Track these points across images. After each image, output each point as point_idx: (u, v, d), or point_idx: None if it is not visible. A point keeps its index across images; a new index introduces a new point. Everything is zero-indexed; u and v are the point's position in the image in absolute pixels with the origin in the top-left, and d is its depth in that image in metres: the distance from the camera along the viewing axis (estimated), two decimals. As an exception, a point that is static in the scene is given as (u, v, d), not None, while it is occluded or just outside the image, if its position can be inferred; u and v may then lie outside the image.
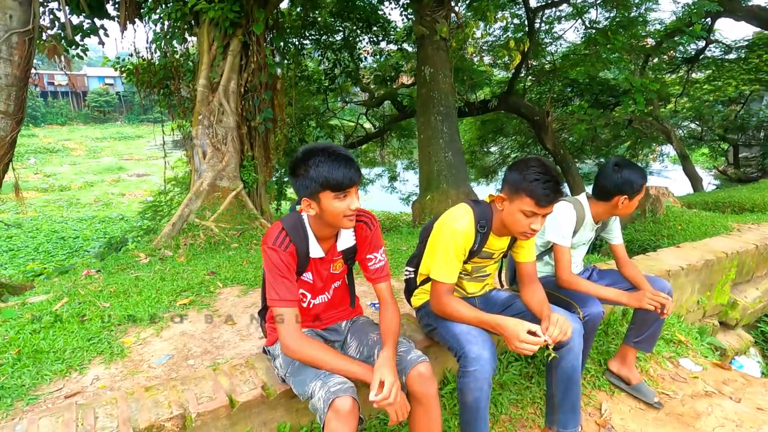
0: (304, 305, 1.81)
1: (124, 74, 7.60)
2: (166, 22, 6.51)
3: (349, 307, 1.96)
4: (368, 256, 1.81)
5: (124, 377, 2.33)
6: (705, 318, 3.73)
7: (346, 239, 1.78)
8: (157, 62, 7.01)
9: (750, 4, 10.25)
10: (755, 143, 16.01)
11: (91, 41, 6.42)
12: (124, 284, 3.67)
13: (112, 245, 7.38)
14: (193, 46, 7.07)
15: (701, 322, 3.68)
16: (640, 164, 16.37)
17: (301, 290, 1.78)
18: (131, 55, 7.38)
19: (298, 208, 1.76)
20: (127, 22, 6.24)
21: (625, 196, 2.22)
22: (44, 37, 5.58)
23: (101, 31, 6.19)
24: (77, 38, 6.05)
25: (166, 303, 3.26)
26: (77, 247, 11.37)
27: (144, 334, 2.81)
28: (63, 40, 5.77)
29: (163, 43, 6.84)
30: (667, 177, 17.91)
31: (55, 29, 5.76)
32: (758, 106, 17.13)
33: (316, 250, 1.71)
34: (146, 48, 7.11)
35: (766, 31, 11.14)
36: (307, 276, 1.76)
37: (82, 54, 6.36)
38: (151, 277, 3.90)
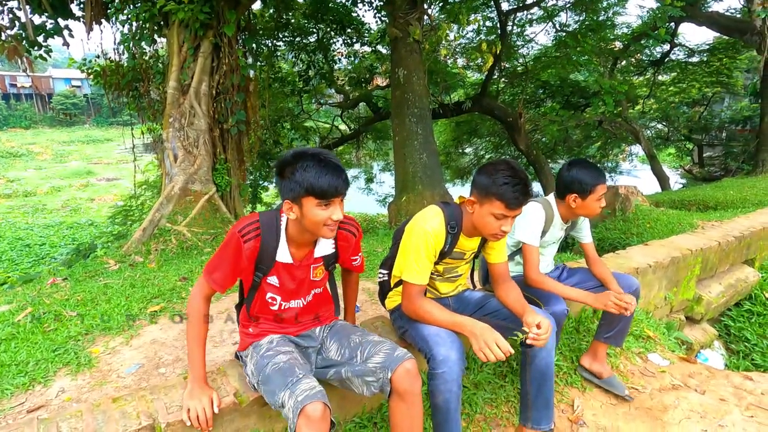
0: (274, 308, 1.78)
1: (92, 76, 7.39)
2: (134, 23, 6.36)
3: (328, 314, 1.94)
4: (351, 258, 1.89)
5: (92, 388, 2.26)
6: (672, 313, 3.85)
7: (326, 246, 1.76)
8: (125, 64, 6.84)
9: (710, 10, 10.65)
10: (718, 143, 16.63)
11: (56, 42, 6.21)
12: (93, 292, 3.56)
13: (80, 252, 7.16)
14: (162, 48, 6.93)
15: (668, 318, 3.79)
16: (609, 164, 16.85)
17: (269, 294, 1.76)
18: (98, 57, 7.18)
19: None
20: (93, 22, 6.07)
21: (575, 195, 2.28)
22: (3, 38, 5.38)
23: (66, 32, 6.00)
24: (40, 39, 5.85)
25: (136, 310, 3.17)
26: (43, 254, 10.98)
27: (113, 343, 2.73)
28: (24, 41, 5.57)
29: (131, 45, 6.67)
30: (636, 176, 18.41)
31: (15, 29, 5.55)
32: (720, 107, 17.82)
33: (284, 255, 1.69)
34: (114, 49, 6.93)
35: (725, 36, 11.58)
36: (272, 279, 1.72)
37: (45, 55, 6.15)
38: (121, 284, 3.79)
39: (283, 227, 1.67)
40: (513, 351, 1.68)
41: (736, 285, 4.27)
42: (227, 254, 1.64)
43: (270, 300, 1.77)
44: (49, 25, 5.91)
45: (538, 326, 1.75)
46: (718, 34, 12.16)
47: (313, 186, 1.49)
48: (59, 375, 2.36)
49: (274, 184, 13.61)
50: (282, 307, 1.79)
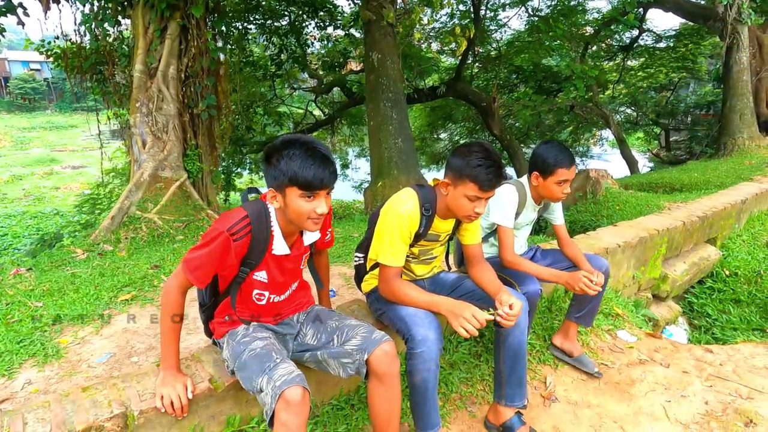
0: (262, 303, 1.73)
1: (51, 59, 7.06)
2: (96, 3, 6.09)
3: (306, 300, 1.92)
4: (326, 233, 1.87)
5: (61, 379, 2.21)
6: (640, 291, 3.98)
7: (312, 233, 1.72)
8: (87, 46, 6.55)
9: (677, -5, 10.84)
10: (683, 127, 17.14)
11: (9, 21, 5.88)
12: (59, 282, 3.45)
13: (45, 242, 6.93)
14: (127, 29, 6.66)
15: (636, 296, 3.92)
16: (581, 148, 17.16)
17: (255, 291, 1.70)
18: (58, 38, 6.86)
19: (251, 197, 1.69)
20: (50, 1, 5.79)
21: (536, 173, 2.31)
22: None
23: (20, 11, 5.68)
24: (-7, 18, 5.53)
25: (106, 299, 3.10)
26: (5, 245, 10.57)
27: (82, 332, 2.67)
28: (-24, 20, 5.26)
29: (93, 26, 6.39)
30: (606, 160, 18.85)
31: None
32: (685, 92, 18.32)
33: (280, 247, 1.63)
34: (75, 30, 6.62)
35: (690, 23, 11.87)
36: (260, 275, 1.67)
37: (-1, 35, 5.83)
38: (90, 273, 3.69)
39: (273, 218, 1.61)
40: (485, 322, 1.71)
41: (699, 263, 4.44)
42: (214, 253, 1.53)
43: (257, 297, 1.71)
44: (1, 2, 5.58)
45: (510, 307, 1.78)
46: (684, 20, 12.45)
47: (297, 176, 1.44)
48: (25, 367, 2.29)
49: (247, 171, 13.39)
50: (271, 301, 1.75)
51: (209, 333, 1.83)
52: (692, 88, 18.78)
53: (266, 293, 1.73)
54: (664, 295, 4.16)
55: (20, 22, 5.72)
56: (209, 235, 1.54)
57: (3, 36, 5.74)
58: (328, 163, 1.48)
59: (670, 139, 17.18)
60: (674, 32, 13.26)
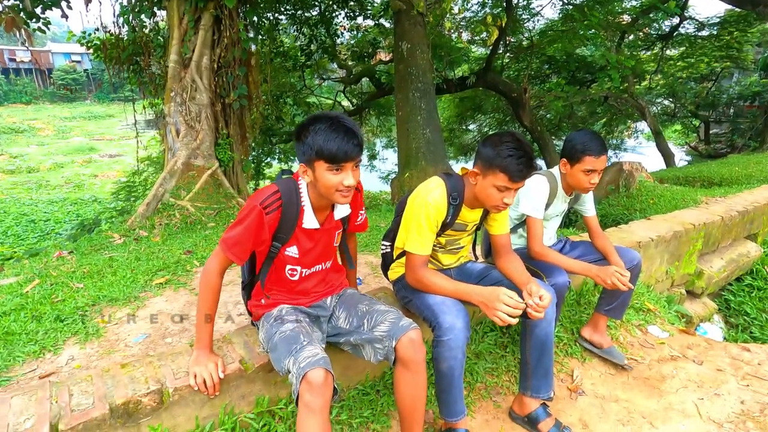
0: (294, 279, 1.79)
1: (91, 50, 7.31)
2: (133, -5, 6.26)
3: (339, 283, 1.96)
4: (358, 214, 1.89)
5: (100, 356, 2.31)
6: (673, 287, 3.87)
7: (343, 208, 1.77)
8: (125, 37, 6.76)
9: (723, -20, 10.34)
10: (725, 120, 16.44)
11: (54, 14, 6.13)
12: (98, 265, 3.60)
13: (84, 227, 7.22)
14: (162, 21, 6.83)
15: (669, 291, 3.82)
16: (614, 141, 16.67)
17: (288, 267, 1.76)
18: (98, 30, 7.09)
19: (283, 177, 1.74)
20: (92, -7, 5.97)
21: (564, 159, 2.26)
22: (0, 8, 5.30)
23: (63, 3, 5.90)
24: (38, 10, 5.76)
25: (141, 282, 3.22)
26: (48, 229, 11.07)
27: (119, 313, 2.78)
28: (21, 12, 5.49)
29: (131, 17, 6.58)
30: (641, 153, 18.27)
31: (11, 0, 5.47)
32: (728, 83, 17.53)
33: (310, 221, 1.69)
34: (113, 22, 6.84)
35: (737, 8, 11.31)
36: (291, 250, 1.72)
37: (43, 28, 6.07)
38: (126, 258, 3.84)
39: (304, 193, 1.67)
40: (523, 305, 1.70)
41: (737, 260, 4.28)
42: (249, 228, 1.61)
43: (290, 273, 1.78)
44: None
45: (540, 298, 1.77)
46: (729, 7, 11.85)
47: (323, 149, 1.49)
48: (68, 344, 2.41)
49: (277, 160, 13.58)
50: (303, 275, 1.80)
51: (250, 313, 1.92)
52: (736, 78, 17.94)
53: (298, 268, 1.78)
54: (699, 292, 4.04)
55: (64, 15, 5.93)
56: (243, 212, 1.62)
57: (48, 29, 5.97)
58: (352, 135, 1.51)
59: (710, 132, 16.53)
60: (719, 19, 12.65)
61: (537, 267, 2.24)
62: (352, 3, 10.78)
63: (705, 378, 2.42)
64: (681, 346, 2.74)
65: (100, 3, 6.65)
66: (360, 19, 11.75)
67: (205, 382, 1.64)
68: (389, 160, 17.26)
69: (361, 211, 1.91)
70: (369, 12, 11.20)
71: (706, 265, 4.05)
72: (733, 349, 2.70)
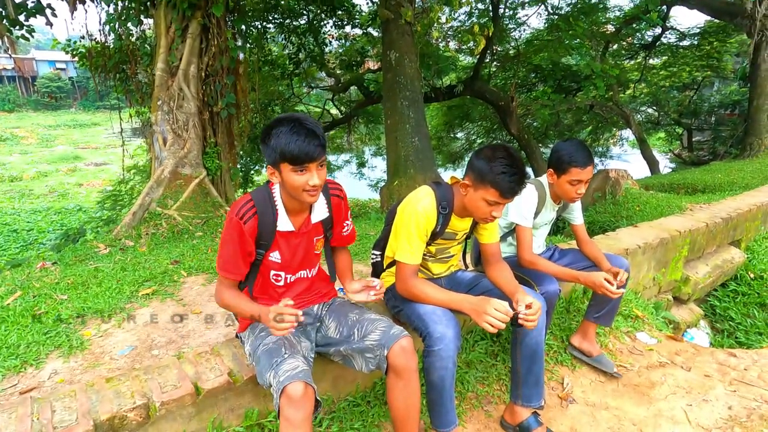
0: (279, 284, 1.79)
1: (77, 58, 7.23)
2: (120, 3, 6.21)
3: (327, 291, 1.96)
4: (342, 223, 1.88)
5: (85, 370, 2.26)
6: (660, 294, 3.91)
7: (320, 211, 1.77)
8: (111, 45, 6.70)
9: (702, -8, 10.60)
10: (707, 128, 16.74)
11: (38, 22, 6.06)
12: (83, 276, 3.53)
13: (69, 237, 7.08)
14: (149, 29, 6.79)
15: (657, 298, 3.85)
16: (600, 148, 16.89)
17: (272, 272, 1.77)
18: (83, 38, 7.02)
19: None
20: (77, 1, 5.92)
21: (551, 170, 2.27)
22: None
23: (48, 11, 5.83)
24: (21, 18, 5.68)
25: (127, 293, 3.16)
26: (31, 239, 10.85)
27: (105, 325, 2.73)
28: (5, 20, 5.41)
29: (117, 25, 6.53)
30: (626, 161, 18.52)
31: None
32: (709, 91, 17.90)
33: (284, 223, 1.69)
34: (99, 30, 6.77)
35: (716, 20, 11.59)
36: (274, 255, 1.73)
37: (27, 35, 5.99)
38: (112, 268, 3.77)
39: (277, 197, 1.68)
40: (512, 313, 1.71)
41: (722, 266, 4.34)
42: (234, 242, 1.64)
43: (275, 278, 1.78)
44: (30, 4, 5.74)
45: (528, 306, 1.77)
46: (709, 18, 12.16)
47: (284, 152, 1.50)
48: (51, 357, 2.36)
49: (265, 168, 13.53)
50: (288, 281, 1.80)
51: (237, 319, 1.92)
52: (717, 87, 18.33)
53: (282, 273, 1.78)
54: (685, 298, 4.08)
55: (48, 23, 5.87)
56: (224, 230, 1.65)
57: (32, 36, 5.89)
58: (313, 136, 1.52)
59: (693, 140, 16.81)
60: (699, 30, 12.95)
61: (527, 275, 2.24)
62: (340, 12, 10.83)
63: (693, 384, 2.44)
64: (669, 352, 2.76)
65: (86, 11, 6.60)
66: (348, 28, 11.81)
67: (284, 316, 1.51)
68: (378, 168, 17.29)
69: (346, 222, 1.91)
70: (357, 21, 11.26)
71: (692, 272, 4.10)
72: (720, 354, 2.73)
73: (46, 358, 2.34)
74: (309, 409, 1.42)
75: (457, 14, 11.85)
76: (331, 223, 1.84)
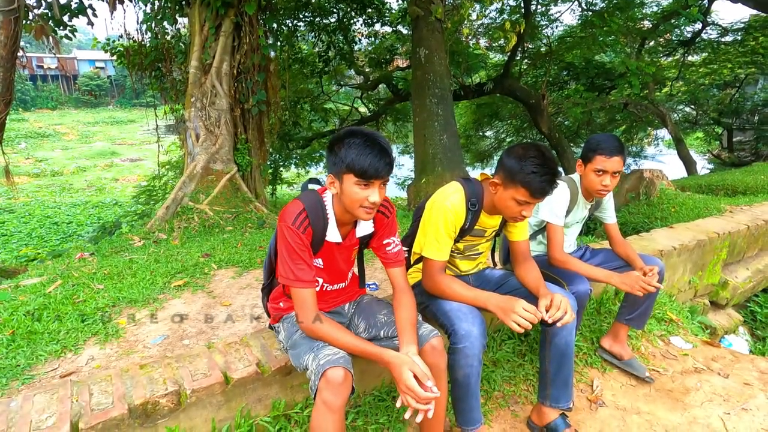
0: (317, 290, 1.77)
1: (115, 56, 7.49)
2: (157, 2, 6.40)
3: (355, 290, 1.97)
4: (386, 241, 1.79)
5: (119, 357, 2.34)
6: (696, 297, 3.78)
7: (366, 226, 1.75)
8: (148, 44, 6.91)
9: (747, -15, 10.16)
10: (749, 127, 16.04)
11: (80, 22, 6.30)
12: (118, 266, 3.65)
13: (105, 229, 7.35)
14: (184, 27, 6.96)
15: (692, 302, 3.72)
16: (634, 148, 16.42)
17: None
18: (121, 37, 7.26)
19: (310, 187, 1.74)
20: (116, 1, 6.12)
21: (580, 160, 2.26)
22: (30, 17, 5.46)
23: (89, 11, 6.06)
24: (65, 18, 5.92)
25: (160, 284, 3.26)
26: (70, 232, 11.31)
27: (139, 315, 2.81)
28: (50, 20, 5.65)
29: (153, 24, 6.73)
30: (661, 161, 17.95)
31: (41, 9, 5.63)
32: (753, 89, 17.14)
33: (333, 234, 1.67)
34: (136, 29, 7.01)
35: (762, 14, 11.07)
36: (318, 261, 1.73)
37: (70, 35, 6.24)
38: (146, 260, 3.89)
39: (329, 206, 1.66)
40: (540, 315, 1.69)
41: (764, 270, 4.16)
42: (300, 250, 1.58)
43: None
44: (74, 5, 5.97)
45: (548, 308, 1.74)
46: (754, 12, 11.62)
47: (354, 164, 1.49)
48: (89, 344, 2.45)
49: (294, 165, 13.68)
50: (324, 289, 1.81)
51: (268, 315, 1.93)
52: (761, 85, 17.54)
53: (320, 280, 1.78)
54: (723, 303, 3.93)
55: (90, 23, 6.09)
56: (283, 241, 1.59)
57: (74, 36, 6.13)
58: (384, 154, 1.51)
59: (734, 140, 16.14)
60: (743, 24, 12.40)
61: (558, 274, 2.20)
62: (370, 10, 10.86)
63: (731, 392, 2.34)
64: (705, 358, 2.67)
65: (125, 11, 6.85)
66: (378, 26, 11.83)
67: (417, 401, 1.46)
68: (405, 166, 17.27)
69: (393, 238, 1.80)
70: (387, 19, 11.27)
71: (731, 275, 3.95)
72: (761, 362, 2.62)
73: (84, 344, 2.43)
74: (346, 395, 1.44)
75: (488, 11, 11.72)
76: (370, 237, 1.81)
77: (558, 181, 1.75)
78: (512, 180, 1.74)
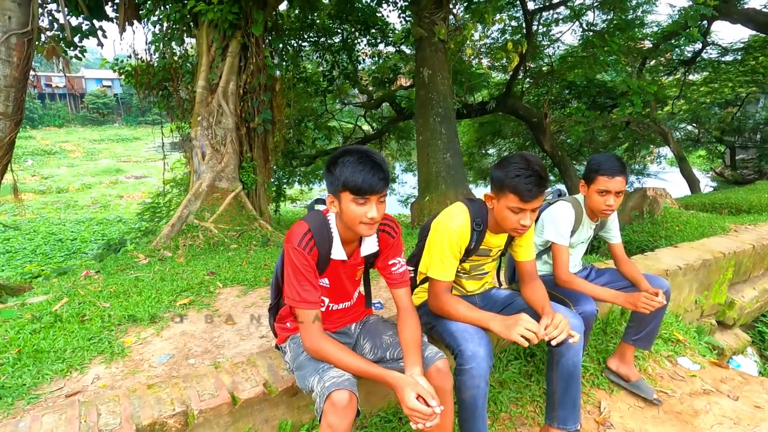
0: (321, 310, 1.77)
1: (123, 76, 7.61)
2: (165, 24, 6.53)
3: (362, 310, 1.97)
4: (391, 261, 1.80)
5: (125, 376, 2.34)
6: (703, 317, 3.75)
7: (370, 245, 1.76)
8: (155, 64, 7.03)
9: (746, 7, 10.32)
10: (752, 145, 16.09)
11: (89, 43, 6.44)
12: (124, 284, 3.67)
13: (110, 247, 7.36)
14: (192, 48, 7.09)
15: (699, 322, 3.70)
16: (637, 166, 16.44)
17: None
18: (129, 57, 7.39)
19: (316, 207, 1.77)
20: (126, 23, 6.26)
21: (582, 181, 2.28)
22: (43, 39, 5.59)
23: (100, 33, 6.20)
24: (76, 39, 6.05)
25: (166, 303, 3.26)
26: (75, 249, 11.34)
27: (144, 333, 2.81)
28: (62, 42, 5.77)
29: (161, 45, 6.86)
30: (664, 179, 17.96)
31: (53, 30, 5.76)
32: (755, 108, 17.24)
33: (338, 252, 1.69)
34: (145, 50, 7.14)
35: (761, 34, 11.21)
36: (324, 281, 1.74)
37: (80, 55, 6.37)
38: (151, 278, 3.90)
39: (333, 225, 1.69)
40: (543, 334, 1.69)
41: (771, 290, 4.14)
42: (306, 272, 1.60)
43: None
44: (84, 26, 6.11)
45: (547, 327, 1.73)
46: (754, 32, 11.76)
47: (348, 181, 1.52)
48: (94, 363, 2.45)
49: (297, 183, 13.76)
50: (330, 309, 1.82)
51: (275, 335, 1.93)
52: (762, 104, 17.64)
53: (326, 300, 1.79)
54: (730, 323, 3.90)
55: (100, 43, 6.22)
56: (290, 262, 1.61)
57: (84, 56, 6.25)
58: (378, 170, 1.53)
59: (736, 158, 16.18)
60: (743, 44, 12.54)
61: (564, 295, 2.20)
62: (374, 30, 11.03)
63: (742, 415, 2.32)
64: (714, 379, 2.64)
65: (134, 32, 7.02)
66: (381, 46, 12.00)
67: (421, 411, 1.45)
68: (408, 183, 17.34)
69: (398, 259, 1.80)
70: (390, 39, 11.44)
71: (738, 295, 3.93)
72: (770, 384, 2.59)
73: (90, 363, 2.43)
74: (351, 418, 1.44)
75: (490, 31, 11.87)
76: (376, 256, 1.82)
77: (545, 182, 1.74)
78: (501, 189, 1.77)
